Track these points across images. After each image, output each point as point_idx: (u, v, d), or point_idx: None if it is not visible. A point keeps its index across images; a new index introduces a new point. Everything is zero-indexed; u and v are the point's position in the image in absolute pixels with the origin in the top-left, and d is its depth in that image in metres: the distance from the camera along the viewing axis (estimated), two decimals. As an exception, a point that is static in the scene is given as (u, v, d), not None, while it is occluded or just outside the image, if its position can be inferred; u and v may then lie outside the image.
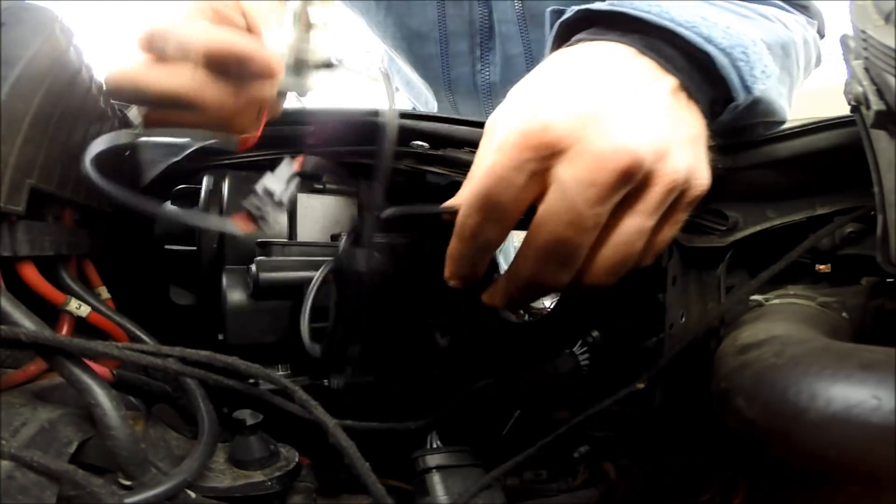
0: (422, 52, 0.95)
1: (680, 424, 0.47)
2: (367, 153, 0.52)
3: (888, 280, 0.41)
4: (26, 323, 0.34)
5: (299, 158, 0.41)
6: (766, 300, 0.44)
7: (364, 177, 0.51)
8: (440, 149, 0.50)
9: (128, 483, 0.33)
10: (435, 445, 0.45)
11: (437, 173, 0.51)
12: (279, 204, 0.39)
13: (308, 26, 0.43)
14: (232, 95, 0.42)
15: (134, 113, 0.42)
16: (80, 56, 0.43)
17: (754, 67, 0.42)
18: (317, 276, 0.43)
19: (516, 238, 0.44)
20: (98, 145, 0.38)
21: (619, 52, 0.40)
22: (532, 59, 0.94)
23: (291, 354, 0.46)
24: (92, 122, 0.44)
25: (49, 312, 0.39)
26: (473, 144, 0.50)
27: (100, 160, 0.38)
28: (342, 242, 0.45)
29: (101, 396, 0.33)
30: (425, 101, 1.08)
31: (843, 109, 0.38)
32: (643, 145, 0.35)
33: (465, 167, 0.49)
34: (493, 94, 0.98)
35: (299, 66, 0.43)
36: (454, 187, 0.49)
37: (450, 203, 0.42)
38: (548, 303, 0.68)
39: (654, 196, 0.37)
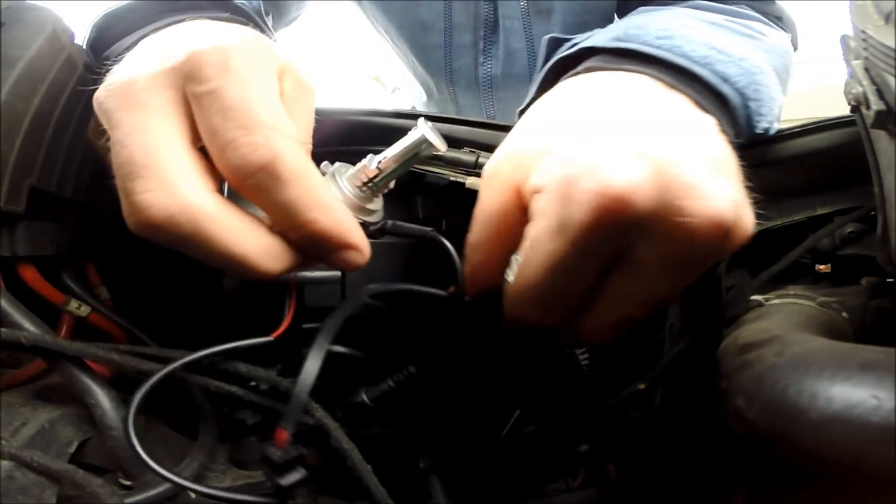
0: (425, 41, 0.96)
1: (680, 424, 0.47)
2: (365, 153, 0.52)
3: (888, 280, 0.41)
4: (26, 324, 0.34)
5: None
6: (766, 300, 0.44)
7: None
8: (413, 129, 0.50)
9: (128, 483, 0.33)
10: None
11: (437, 173, 0.51)
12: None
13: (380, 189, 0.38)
14: (292, 263, 0.35)
15: None
16: (81, 56, 0.43)
17: (762, 105, 0.41)
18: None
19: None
20: None
21: (650, 85, 0.36)
22: (534, 54, 0.95)
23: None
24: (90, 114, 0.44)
25: (49, 312, 0.39)
26: (473, 144, 0.50)
27: (103, 162, 0.38)
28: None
29: (101, 396, 0.33)
30: (419, 95, 1.08)
31: (843, 109, 0.38)
32: (725, 212, 0.30)
33: (465, 167, 0.49)
34: (493, 87, 0.99)
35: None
36: (454, 187, 0.49)
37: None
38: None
39: (726, 256, 0.33)
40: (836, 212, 0.46)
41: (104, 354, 0.34)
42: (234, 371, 0.39)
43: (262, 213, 0.34)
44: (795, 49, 0.68)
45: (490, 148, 0.48)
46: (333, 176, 0.37)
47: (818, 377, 0.28)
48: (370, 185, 0.37)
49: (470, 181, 0.48)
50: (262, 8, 0.52)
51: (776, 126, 0.47)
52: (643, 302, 0.33)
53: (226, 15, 0.44)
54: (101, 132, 0.34)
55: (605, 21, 0.88)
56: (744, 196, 0.32)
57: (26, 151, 0.36)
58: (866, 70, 0.32)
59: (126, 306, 0.47)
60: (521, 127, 0.38)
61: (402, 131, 0.50)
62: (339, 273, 0.47)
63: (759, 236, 0.47)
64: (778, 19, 0.65)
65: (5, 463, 0.29)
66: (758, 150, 0.47)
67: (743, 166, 0.35)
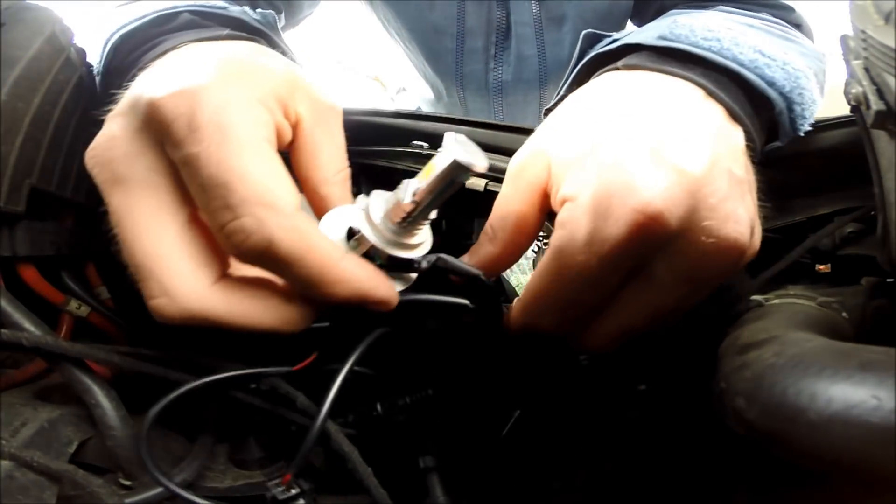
0: (437, 46, 0.97)
1: (680, 424, 0.47)
2: (365, 153, 0.52)
3: (888, 280, 0.41)
4: (26, 324, 0.34)
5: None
6: (766, 300, 0.44)
7: (366, 177, 0.51)
8: (440, 149, 0.50)
9: (128, 483, 0.33)
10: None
11: (437, 173, 0.51)
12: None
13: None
14: (314, 316, 0.34)
15: None
16: (80, 56, 0.43)
17: (805, 109, 0.41)
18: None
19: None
20: None
21: (688, 93, 0.36)
22: (545, 61, 0.96)
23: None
24: (92, 122, 0.44)
25: (49, 312, 0.39)
26: (476, 145, 0.49)
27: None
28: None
29: (101, 396, 0.33)
30: (426, 97, 1.09)
31: (843, 109, 0.38)
32: (745, 234, 0.31)
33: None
34: (503, 92, 0.99)
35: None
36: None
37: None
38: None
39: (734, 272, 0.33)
40: (836, 212, 0.46)
41: (105, 356, 0.34)
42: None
43: None
44: None
45: (493, 149, 0.48)
46: (368, 215, 0.34)
47: (818, 377, 0.28)
48: (408, 220, 0.33)
49: (470, 181, 0.48)
50: (272, 15, 0.50)
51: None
52: (651, 315, 0.33)
53: (226, 32, 0.42)
54: None
55: (619, 28, 0.89)
56: (756, 215, 0.33)
57: (26, 151, 0.36)
58: (866, 70, 0.32)
59: (126, 306, 0.47)
60: (556, 125, 0.36)
61: (403, 131, 0.51)
62: None
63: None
64: (798, 27, 0.65)
65: (5, 463, 0.29)
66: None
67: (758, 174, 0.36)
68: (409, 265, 0.36)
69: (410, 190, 0.32)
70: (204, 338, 0.39)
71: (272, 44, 0.46)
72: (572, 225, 0.32)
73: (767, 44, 0.40)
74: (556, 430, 0.45)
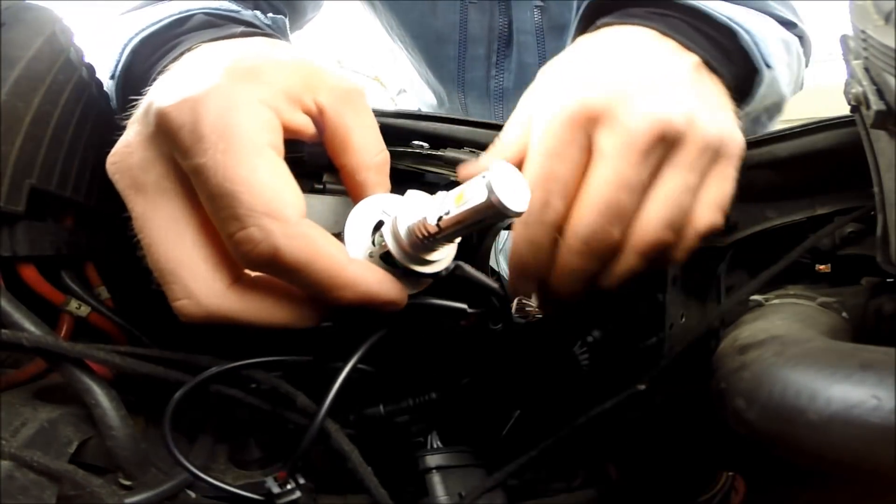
0: (440, 52, 0.98)
1: (680, 425, 0.47)
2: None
3: (888, 280, 0.41)
4: (27, 324, 0.34)
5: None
6: (766, 300, 0.44)
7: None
8: (440, 149, 0.50)
9: (128, 483, 0.33)
10: (435, 445, 0.45)
11: (437, 173, 0.51)
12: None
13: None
14: (326, 315, 0.36)
15: None
16: (80, 56, 0.43)
17: (769, 46, 0.47)
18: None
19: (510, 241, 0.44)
20: None
21: (643, 34, 0.44)
22: None
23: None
24: (92, 122, 0.44)
25: (49, 312, 0.39)
26: (474, 144, 0.50)
27: (103, 162, 0.38)
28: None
29: (101, 396, 0.33)
30: (426, 99, 1.09)
31: (843, 109, 0.38)
32: (672, 112, 0.38)
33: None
34: (504, 99, 1.01)
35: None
36: (453, 187, 0.49)
37: None
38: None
39: (689, 154, 0.39)
40: (836, 212, 0.46)
41: (105, 356, 0.34)
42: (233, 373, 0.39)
43: None
44: (807, 65, 0.74)
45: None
46: (395, 223, 0.34)
47: (818, 377, 0.28)
48: (430, 240, 0.33)
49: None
50: (283, 20, 0.51)
51: (787, 96, 0.54)
52: (616, 184, 0.38)
53: (240, 30, 0.42)
54: None
55: None
56: (705, 109, 0.40)
57: (26, 151, 0.36)
58: (866, 70, 0.32)
59: (126, 306, 0.47)
60: (583, 79, 0.41)
61: (403, 131, 0.50)
62: None
63: (759, 236, 0.47)
64: (799, 38, 0.69)
65: (5, 463, 0.29)
66: (758, 151, 0.47)
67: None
68: (421, 276, 0.36)
69: (438, 212, 0.32)
70: (206, 336, 0.39)
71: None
72: (611, 145, 0.39)
73: (734, 7, 0.47)
74: (556, 429, 0.45)
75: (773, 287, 0.45)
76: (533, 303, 0.45)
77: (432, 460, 0.43)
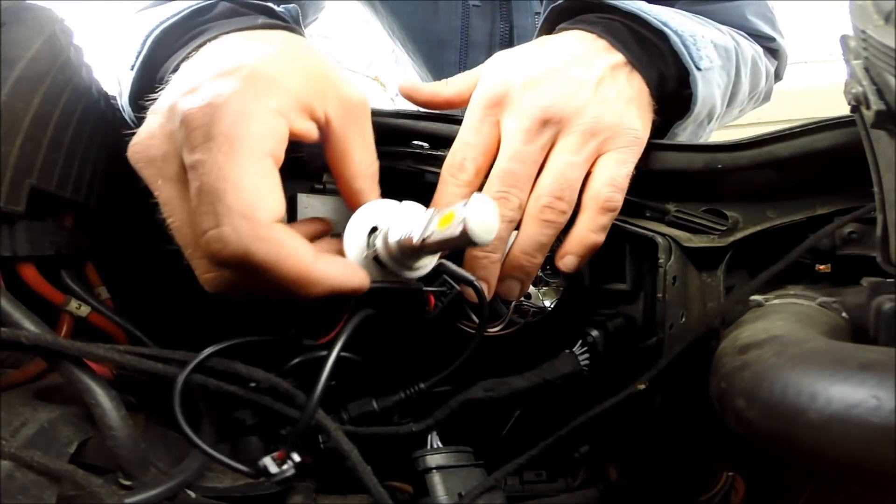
0: (441, 58, 0.99)
1: (680, 425, 0.47)
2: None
3: (888, 280, 0.41)
4: (26, 323, 0.34)
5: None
6: (766, 300, 0.44)
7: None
8: (440, 149, 0.50)
9: (128, 483, 0.33)
10: (435, 445, 0.45)
11: (436, 173, 0.51)
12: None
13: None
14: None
15: None
16: (80, 56, 0.43)
17: (701, 50, 0.52)
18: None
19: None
20: None
21: (582, 36, 0.51)
22: None
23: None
24: (92, 122, 0.44)
25: (49, 312, 0.39)
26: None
27: (103, 162, 0.38)
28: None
29: (101, 396, 0.33)
30: None
31: (843, 109, 0.38)
32: (556, 101, 0.47)
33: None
34: None
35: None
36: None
37: None
38: (547, 303, 0.68)
39: (574, 139, 0.47)
40: (836, 212, 0.46)
41: (104, 354, 0.34)
42: (233, 371, 0.39)
43: None
44: (779, 79, 0.83)
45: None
46: (387, 234, 0.38)
47: (818, 377, 0.28)
48: (414, 254, 0.38)
49: None
50: (296, 9, 0.52)
51: (720, 102, 0.58)
52: (511, 157, 0.46)
53: (261, 21, 0.44)
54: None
55: None
56: (599, 102, 0.47)
57: (26, 151, 0.36)
58: (866, 70, 0.32)
59: (126, 306, 0.47)
60: (503, 71, 0.50)
61: (403, 131, 0.50)
62: None
63: (759, 236, 0.47)
64: (771, 52, 0.78)
65: (5, 463, 0.29)
66: (758, 151, 0.47)
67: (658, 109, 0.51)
68: (404, 279, 0.41)
69: (422, 234, 0.36)
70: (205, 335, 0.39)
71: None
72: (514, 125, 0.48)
73: (675, 14, 0.53)
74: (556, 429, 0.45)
75: (773, 287, 0.45)
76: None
77: (432, 460, 0.43)
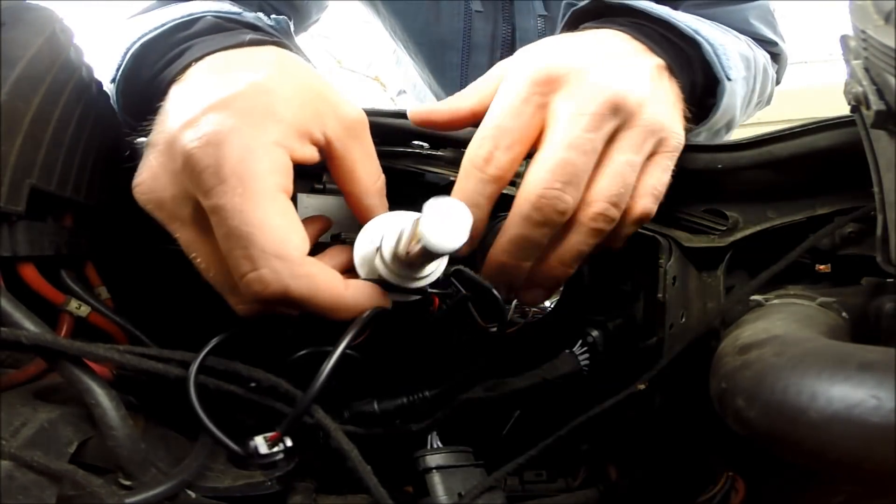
0: (443, 59, 0.99)
1: (680, 425, 0.47)
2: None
3: (888, 280, 0.41)
4: (27, 323, 0.34)
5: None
6: (766, 300, 0.44)
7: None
8: (440, 149, 0.50)
9: (128, 483, 0.33)
10: (435, 445, 0.45)
11: (437, 173, 0.51)
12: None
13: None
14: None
15: None
16: (80, 56, 0.43)
17: (730, 59, 0.51)
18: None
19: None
20: None
21: (615, 35, 0.47)
22: None
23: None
24: (92, 122, 0.44)
25: (49, 312, 0.39)
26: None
27: (103, 162, 0.38)
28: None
29: (101, 396, 0.33)
30: (426, 102, 1.09)
31: (843, 109, 0.38)
32: (627, 89, 0.41)
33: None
34: None
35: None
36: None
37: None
38: (548, 303, 0.68)
39: (637, 134, 0.42)
40: (836, 212, 0.46)
41: (104, 354, 0.34)
42: (233, 371, 0.39)
43: None
44: (778, 83, 0.82)
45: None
46: (381, 246, 0.38)
47: (818, 377, 0.28)
48: (409, 266, 0.38)
49: None
50: (286, 20, 0.51)
51: (740, 111, 0.57)
52: (569, 145, 0.40)
53: (248, 37, 0.42)
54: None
55: None
56: (657, 100, 0.43)
57: (26, 151, 0.36)
58: (866, 70, 0.32)
59: (126, 306, 0.47)
60: (551, 50, 0.45)
61: (403, 131, 0.50)
62: None
63: (759, 236, 0.47)
64: (774, 56, 0.78)
65: (5, 463, 0.29)
66: (758, 151, 0.47)
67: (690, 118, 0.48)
68: (408, 289, 0.40)
69: (406, 247, 0.36)
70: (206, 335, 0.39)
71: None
72: (567, 110, 0.42)
73: (699, 21, 0.51)
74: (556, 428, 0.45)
75: (773, 287, 0.45)
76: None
77: (432, 460, 0.43)
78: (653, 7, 0.49)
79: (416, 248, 0.34)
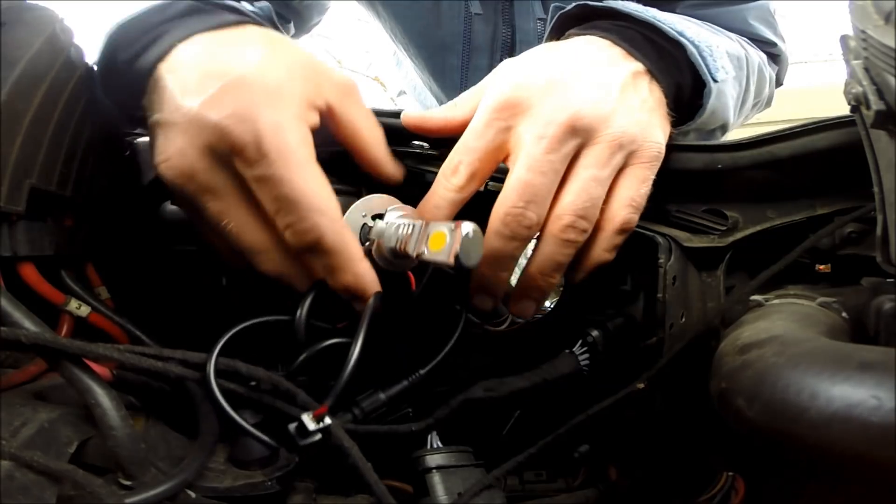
0: (443, 62, 1.00)
1: (680, 425, 0.47)
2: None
3: (888, 280, 0.41)
4: (27, 323, 0.34)
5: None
6: (766, 300, 0.44)
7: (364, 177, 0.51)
8: (440, 149, 0.50)
9: (128, 483, 0.33)
10: (435, 445, 0.45)
11: (436, 173, 0.51)
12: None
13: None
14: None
15: None
16: (80, 56, 0.43)
17: (717, 61, 0.51)
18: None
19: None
20: None
21: (598, 42, 0.49)
22: None
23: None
24: (92, 122, 0.44)
25: (49, 312, 0.39)
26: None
27: (103, 162, 0.38)
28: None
29: (101, 396, 0.33)
30: (426, 104, 1.09)
31: (843, 109, 0.38)
32: (587, 109, 0.43)
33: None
34: None
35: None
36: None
37: None
38: (547, 303, 0.68)
39: (601, 150, 0.44)
40: (836, 212, 0.46)
41: (104, 353, 0.34)
42: (234, 370, 0.39)
43: None
44: (780, 84, 0.83)
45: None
46: (382, 234, 0.43)
47: (818, 377, 0.28)
48: (403, 258, 0.42)
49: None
50: (268, 7, 0.51)
51: (732, 111, 0.57)
52: (529, 167, 0.43)
53: (233, 18, 0.44)
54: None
55: None
56: (625, 111, 0.45)
57: (26, 151, 0.36)
58: (866, 70, 0.32)
59: (126, 306, 0.46)
60: (518, 75, 0.47)
61: (403, 131, 0.50)
62: None
63: (759, 236, 0.47)
64: (773, 56, 0.78)
65: (5, 463, 0.29)
66: (758, 151, 0.47)
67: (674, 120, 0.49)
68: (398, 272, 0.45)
69: (416, 247, 0.40)
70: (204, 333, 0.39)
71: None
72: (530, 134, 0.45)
73: (688, 23, 0.52)
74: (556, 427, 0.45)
75: (773, 287, 0.45)
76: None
77: (432, 460, 0.43)
78: (638, 10, 0.50)
79: (432, 256, 0.38)
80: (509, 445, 0.46)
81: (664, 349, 0.46)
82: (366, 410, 0.44)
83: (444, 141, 0.50)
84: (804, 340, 0.33)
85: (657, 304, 0.46)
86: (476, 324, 0.52)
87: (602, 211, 0.45)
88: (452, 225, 0.37)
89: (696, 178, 0.49)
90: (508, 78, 0.46)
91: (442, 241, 0.38)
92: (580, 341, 0.49)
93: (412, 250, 0.40)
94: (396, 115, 0.51)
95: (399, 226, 0.42)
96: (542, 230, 0.45)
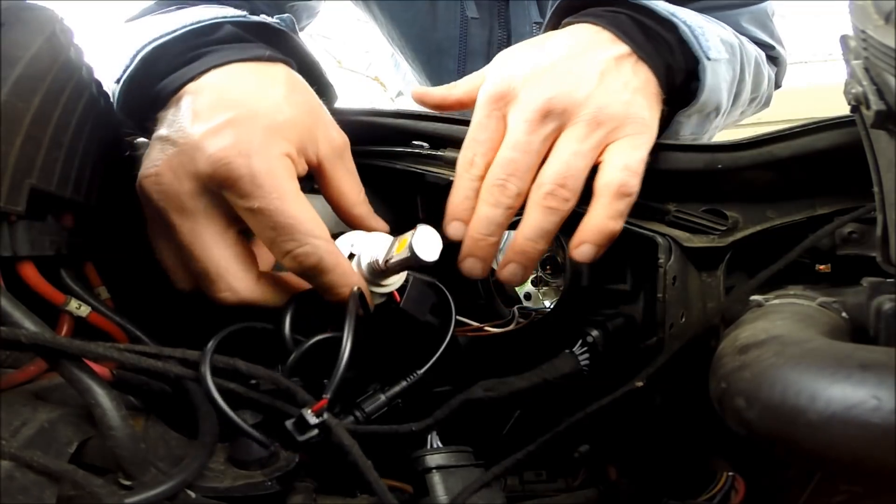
0: (440, 65, 1.00)
1: (680, 424, 0.47)
2: (365, 153, 0.52)
3: (888, 280, 0.41)
4: (26, 323, 0.34)
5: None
6: (766, 300, 0.44)
7: (365, 177, 0.51)
8: (440, 149, 0.50)
9: (128, 483, 0.33)
10: (435, 445, 0.45)
11: (436, 174, 0.51)
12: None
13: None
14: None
15: None
16: (80, 56, 0.43)
17: (709, 41, 0.53)
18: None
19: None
20: None
21: (587, 29, 0.52)
22: None
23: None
24: (92, 122, 0.44)
25: (49, 312, 0.39)
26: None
27: (103, 162, 0.38)
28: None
29: (101, 396, 0.33)
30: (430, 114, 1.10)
31: (843, 109, 0.38)
32: (559, 93, 0.47)
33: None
34: None
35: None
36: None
37: None
38: (548, 303, 0.68)
39: (580, 128, 0.47)
40: (836, 212, 0.46)
41: (104, 352, 0.34)
42: (233, 369, 0.39)
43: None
44: (778, 86, 0.83)
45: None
46: (359, 260, 0.46)
47: (818, 377, 0.28)
48: (382, 273, 0.45)
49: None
50: (290, 19, 0.52)
51: (726, 96, 0.58)
52: (514, 146, 0.48)
53: (267, 54, 0.47)
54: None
55: None
56: (604, 92, 0.48)
57: (26, 151, 0.36)
58: (866, 70, 0.32)
59: (126, 306, 0.46)
60: (508, 66, 0.51)
61: (403, 131, 0.51)
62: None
63: (759, 236, 0.47)
64: (772, 59, 0.79)
65: (5, 463, 0.29)
66: (758, 151, 0.47)
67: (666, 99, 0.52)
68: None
69: (385, 257, 0.44)
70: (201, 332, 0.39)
71: (295, 52, 0.51)
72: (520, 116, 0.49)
73: (680, 8, 0.53)
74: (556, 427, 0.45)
75: (773, 287, 0.45)
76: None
77: (432, 460, 0.43)
78: None
79: (398, 257, 0.43)
80: (509, 445, 0.46)
81: (664, 349, 0.46)
82: (367, 412, 0.44)
83: (443, 141, 0.50)
84: (804, 341, 0.33)
85: (657, 304, 0.46)
86: (476, 325, 0.52)
87: (597, 178, 0.47)
88: (413, 231, 0.42)
89: (696, 178, 0.49)
90: (501, 69, 0.51)
91: (404, 244, 0.42)
92: (580, 341, 0.49)
93: (381, 260, 0.44)
94: (397, 115, 0.51)
95: (373, 246, 0.46)
96: (527, 200, 0.48)
